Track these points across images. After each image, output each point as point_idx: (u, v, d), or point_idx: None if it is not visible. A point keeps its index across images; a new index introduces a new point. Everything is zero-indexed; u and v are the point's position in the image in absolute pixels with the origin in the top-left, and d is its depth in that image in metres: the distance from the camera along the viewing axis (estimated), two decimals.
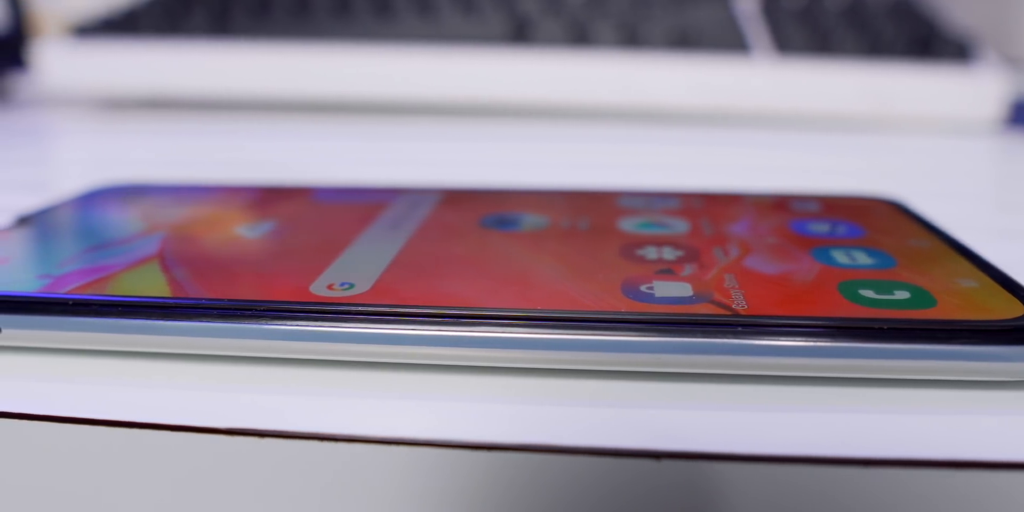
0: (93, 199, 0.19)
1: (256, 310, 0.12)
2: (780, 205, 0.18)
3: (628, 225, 0.16)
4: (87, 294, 0.13)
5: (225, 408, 0.12)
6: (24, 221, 0.17)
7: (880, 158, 0.29)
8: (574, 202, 0.18)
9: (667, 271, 0.14)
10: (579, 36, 0.34)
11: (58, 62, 0.35)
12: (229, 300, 0.12)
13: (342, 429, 0.11)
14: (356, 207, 0.17)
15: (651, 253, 0.15)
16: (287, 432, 0.11)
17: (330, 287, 0.13)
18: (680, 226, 0.16)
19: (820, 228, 0.16)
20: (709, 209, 0.17)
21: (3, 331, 0.13)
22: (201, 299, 0.13)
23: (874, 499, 0.11)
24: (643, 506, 0.11)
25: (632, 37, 0.34)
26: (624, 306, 0.12)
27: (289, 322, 0.12)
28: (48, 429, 0.12)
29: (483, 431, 0.11)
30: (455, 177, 0.24)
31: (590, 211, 0.17)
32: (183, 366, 0.13)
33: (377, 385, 0.12)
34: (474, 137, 0.32)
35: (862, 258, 0.15)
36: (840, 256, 0.15)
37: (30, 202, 0.24)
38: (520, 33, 0.34)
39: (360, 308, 0.12)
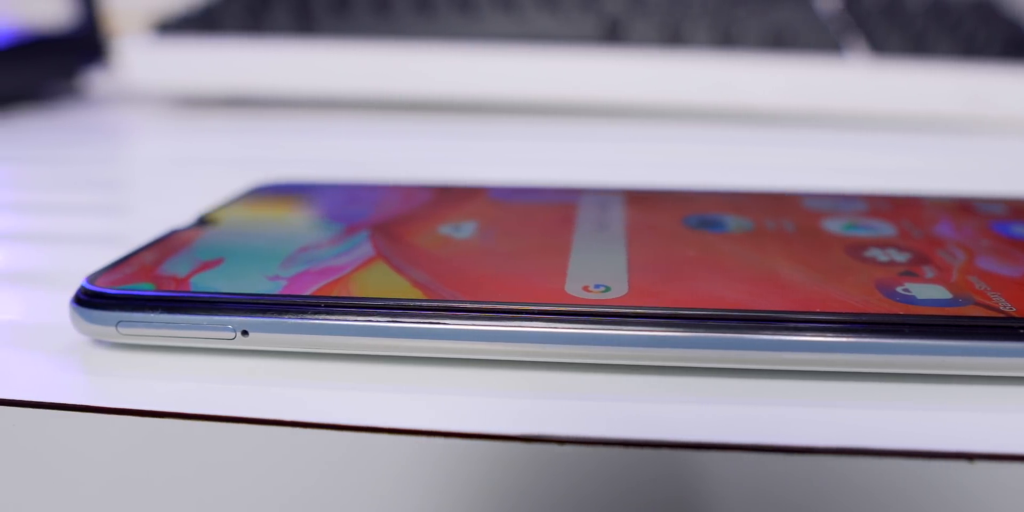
0: (262, 198, 0.19)
1: (532, 313, 0.12)
2: (966, 207, 0.18)
3: (834, 227, 0.16)
4: (339, 296, 0.13)
5: (508, 413, 0.11)
6: (207, 221, 0.17)
7: (994, 160, 0.28)
8: (761, 203, 0.18)
9: (909, 273, 0.14)
10: (672, 36, 0.34)
11: (140, 59, 0.34)
12: (500, 302, 0.12)
13: (647, 434, 0.11)
14: (547, 207, 0.17)
15: (879, 255, 0.15)
16: (591, 439, 0.11)
17: (585, 289, 0.13)
18: (886, 228, 0.16)
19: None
20: (900, 211, 0.17)
21: (250, 334, 0.13)
22: (467, 301, 0.12)
23: None
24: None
25: (725, 37, 0.33)
26: (898, 309, 0.12)
27: (567, 325, 0.12)
28: (320, 436, 0.11)
29: (773, 434, 0.11)
30: (553, 176, 0.24)
31: (785, 213, 0.17)
32: (434, 370, 0.13)
33: (656, 388, 0.12)
34: (567, 137, 0.32)
35: None
36: None
37: (115, 199, 0.24)
38: (612, 33, 0.34)
39: (643, 311, 0.12)
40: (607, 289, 0.13)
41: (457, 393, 0.12)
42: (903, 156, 0.29)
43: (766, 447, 0.11)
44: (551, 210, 0.17)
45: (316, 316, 0.12)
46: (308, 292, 0.13)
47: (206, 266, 0.14)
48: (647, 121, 0.34)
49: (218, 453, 0.12)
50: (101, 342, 0.14)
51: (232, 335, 0.13)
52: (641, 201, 0.18)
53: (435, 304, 0.12)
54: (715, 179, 0.24)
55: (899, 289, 0.13)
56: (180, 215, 0.19)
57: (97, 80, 0.41)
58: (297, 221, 0.17)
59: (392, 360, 0.13)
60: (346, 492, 0.12)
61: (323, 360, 0.13)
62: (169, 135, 0.33)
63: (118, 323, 0.13)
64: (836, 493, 0.11)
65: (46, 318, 0.15)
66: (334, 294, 0.13)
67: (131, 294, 0.13)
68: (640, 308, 0.12)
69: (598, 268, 0.14)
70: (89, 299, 0.13)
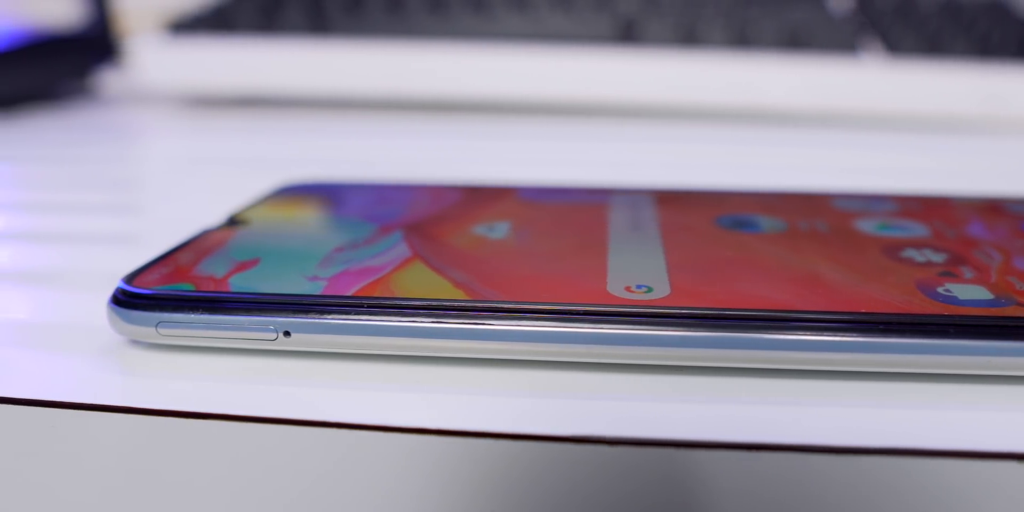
0: (290, 198, 0.18)
1: (580, 314, 0.12)
2: (996, 208, 0.18)
3: (867, 227, 0.16)
4: (383, 296, 0.13)
5: (555, 414, 0.11)
6: (237, 222, 0.17)
7: (1009, 160, 0.28)
8: (792, 204, 0.18)
9: (948, 274, 0.14)
10: (687, 36, 0.34)
11: (153, 59, 0.34)
12: (547, 303, 0.12)
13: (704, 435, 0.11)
14: (578, 207, 0.17)
15: (916, 256, 0.15)
16: (623, 439, 0.11)
17: (628, 289, 0.13)
18: (919, 229, 0.16)
19: None
20: (931, 212, 0.17)
21: (293, 335, 0.13)
22: (512, 302, 0.12)
23: None
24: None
25: (740, 37, 0.33)
26: (941, 309, 0.12)
27: (615, 326, 0.12)
28: (373, 438, 0.11)
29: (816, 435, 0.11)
30: (569, 176, 0.24)
31: (817, 213, 0.17)
32: (446, 370, 0.13)
33: (711, 389, 0.12)
34: (582, 137, 0.31)
35: None
36: None
37: (128, 199, 0.24)
38: (627, 33, 0.34)
39: (690, 311, 0.12)
40: (649, 290, 0.13)
41: (466, 392, 0.12)
42: (918, 156, 0.29)
43: (811, 447, 0.11)
44: (583, 210, 0.17)
45: (360, 317, 0.12)
46: (350, 292, 0.13)
47: (243, 266, 0.14)
48: (662, 121, 0.34)
49: (250, 452, 0.12)
50: (137, 343, 0.14)
51: (274, 336, 0.13)
52: (672, 201, 0.18)
53: (481, 305, 0.12)
54: (731, 179, 0.24)
55: (940, 290, 0.13)
56: (193, 214, 0.19)
57: (109, 80, 0.41)
58: (328, 221, 0.17)
59: (418, 360, 0.13)
60: (376, 490, 0.12)
61: (353, 360, 0.13)
62: (182, 135, 0.33)
63: (158, 324, 0.13)
64: (883, 493, 0.11)
65: (70, 318, 0.15)
66: (376, 295, 0.13)
67: (171, 294, 0.13)
68: (687, 308, 0.12)
69: (637, 269, 0.14)
70: (128, 300, 0.13)
